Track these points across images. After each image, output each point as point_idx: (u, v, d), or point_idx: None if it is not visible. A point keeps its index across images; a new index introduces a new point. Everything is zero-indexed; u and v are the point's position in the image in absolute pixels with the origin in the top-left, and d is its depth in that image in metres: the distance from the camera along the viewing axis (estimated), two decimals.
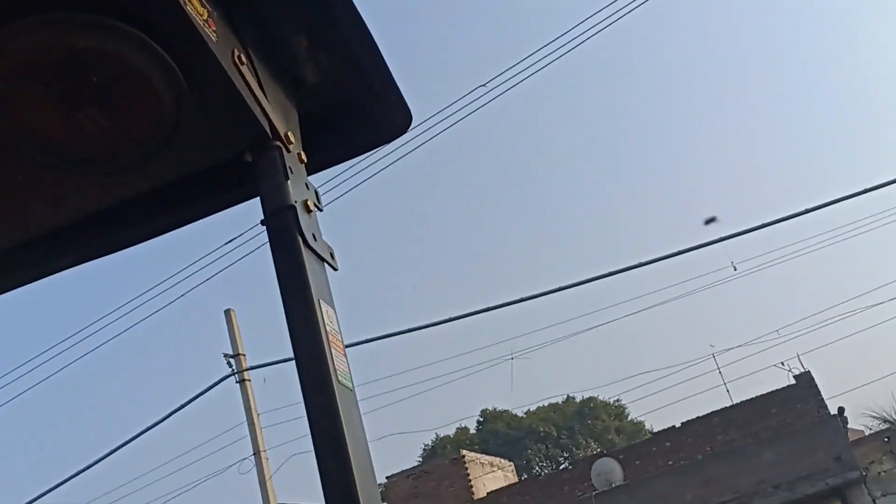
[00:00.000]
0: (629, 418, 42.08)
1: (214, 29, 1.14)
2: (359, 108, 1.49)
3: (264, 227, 1.26)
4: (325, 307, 1.20)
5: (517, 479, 24.42)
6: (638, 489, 15.70)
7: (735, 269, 15.58)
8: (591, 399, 41.66)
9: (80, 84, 1.11)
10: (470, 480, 21.00)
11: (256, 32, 1.28)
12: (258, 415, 14.80)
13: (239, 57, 1.19)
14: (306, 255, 1.21)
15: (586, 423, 41.02)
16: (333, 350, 1.16)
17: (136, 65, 1.09)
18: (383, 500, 24.52)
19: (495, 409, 41.51)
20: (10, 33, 1.04)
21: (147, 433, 14.11)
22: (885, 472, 14.89)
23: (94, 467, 14.01)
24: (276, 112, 1.27)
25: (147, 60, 1.09)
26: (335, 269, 1.31)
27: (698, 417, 19.35)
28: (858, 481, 14.52)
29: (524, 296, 13.51)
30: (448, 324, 13.57)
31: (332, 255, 1.31)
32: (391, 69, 1.43)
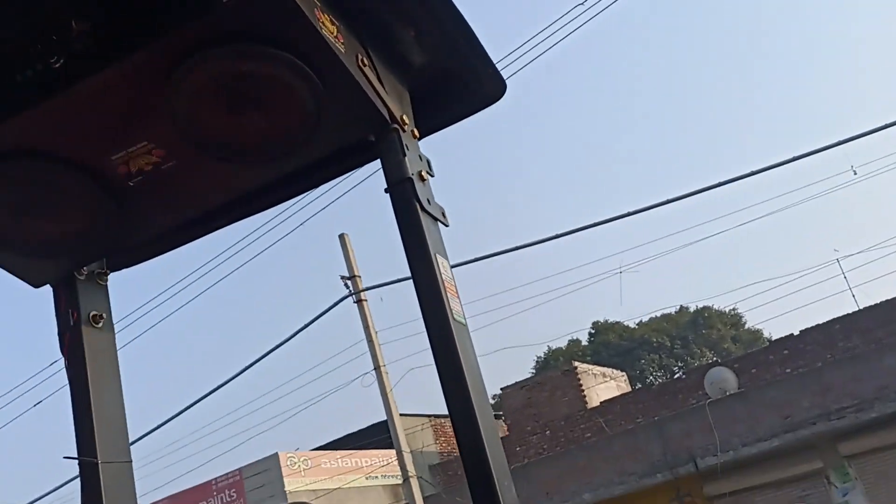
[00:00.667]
0: (746, 326, 41.32)
1: (342, 41, 1.40)
2: (459, 81, 1.74)
3: (388, 195, 1.55)
4: (440, 259, 1.48)
5: (630, 389, 24.74)
6: (753, 397, 15.69)
7: (855, 174, 14.92)
8: (705, 308, 41.09)
9: (244, 96, 1.41)
10: (583, 390, 21.47)
11: (374, 33, 1.54)
12: (376, 332, 15.59)
13: (362, 59, 1.45)
14: (423, 218, 1.50)
15: (701, 332, 40.59)
16: (449, 294, 1.45)
17: (286, 79, 1.37)
18: (498, 411, 25.43)
19: (606, 321, 41.68)
20: (196, 62, 1.34)
21: (278, 350, 15.22)
22: None
23: (232, 382, 15.29)
24: (392, 99, 1.54)
25: (294, 74, 1.37)
26: (447, 226, 1.59)
27: (818, 325, 18.93)
28: None
29: (632, 209, 13.51)
30: (558, 239, 13.80)
31: (443, 214, 1.58)
32: (484, 45, 1.67)
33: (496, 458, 1.38)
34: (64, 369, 1.72)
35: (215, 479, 20.32)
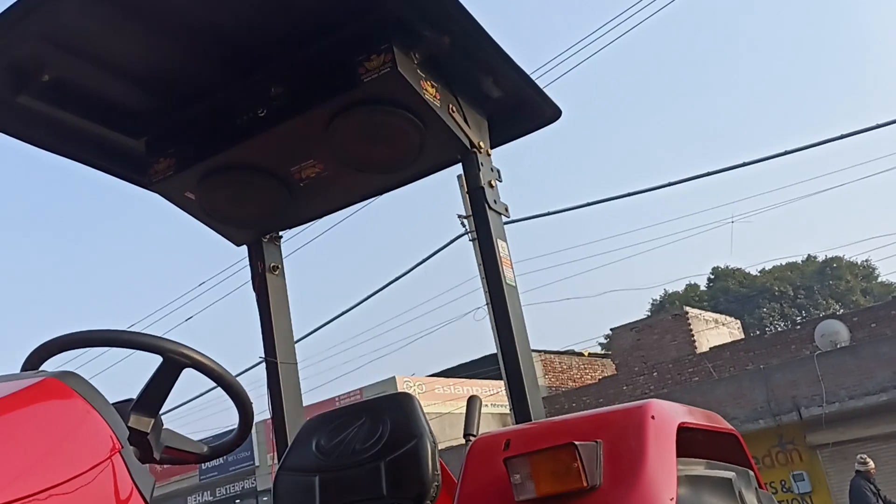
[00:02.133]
0: (879, 279, 39.50)
1: (438, 97, 2.15)
2: (525, 108, 2.45)
3: (468, 195, 2.30)
4: (500, 243, 2.22)
5: (743, 337, 24.63)
6: (864, 351, 15.58)
7: None
8: (834, 259, 39.53)
9: (375, 134, 2.20)
10: (692, 335, 21.66)
11: (464, 83, 2.27)
12: None
13: (452, 107, 2.19)
14: (490, 214, 2.24)
15: (828, 283, 39.14)
16: (504, 266, 2.19)
17: (401, 125, 2.15)
18: (608, 350, 25.91)
19: (727, 267, 40.90)
20: (347, 115, 2.15)
21: (399, 283, 16.36)
22: None
23: (356, 309, 16.59)
24: (474, 132, 2.28)
25: (406, 123, 2.14)
26: (508, 217, 2.32)
27: None
28: None
29: (747, 160, 13.58)
30: (674, 187, 14.13)
31: (506, 210, 2.32)
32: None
33: (528, 374, 2.13)
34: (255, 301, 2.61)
35: (338, 396, 22.14)
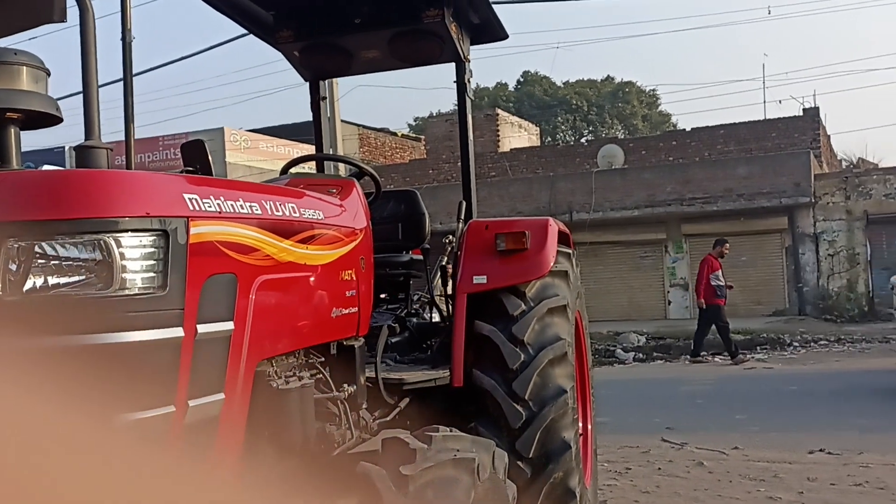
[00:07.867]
0: (659, 109, 44.54)
1: (454, 27, 3.81)
2: (487, 28, 4.15)
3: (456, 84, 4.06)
4: (469, 118, 4.03)
5: (540, 143, 27.89)
6: (630, 174, 19.05)
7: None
8: (629, 83, 43.78)
9: (417, 45, 3.86)
10: (498, 135, 24.38)
11: (464, 17, 3.92)
12: None
13: (458, 32, 3.86)
14: (467, 100, 4.01)
15: (617, 105, 43.49)
16: (471, 132, 4.03)
17: (431, 43, 3.82)
18: (421, 134, 28.11)
19: (537, 74, 43.89)
20: (405, 33, 3.78)
21: (246, 40, 16.86)
22: (833, 203, 18.07)
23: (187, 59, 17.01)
24: (465, 47, 3.97)
25: (434, 43, 3.78)
26: (474, 101, 4.11)
27: (707, 127, 22.07)
28: (808, 206, 17.80)
29: None
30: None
31: (473, 94, 4.09)
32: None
33: (473, 182, 4.05)
34: None
35: (163, 136, 22.65)
